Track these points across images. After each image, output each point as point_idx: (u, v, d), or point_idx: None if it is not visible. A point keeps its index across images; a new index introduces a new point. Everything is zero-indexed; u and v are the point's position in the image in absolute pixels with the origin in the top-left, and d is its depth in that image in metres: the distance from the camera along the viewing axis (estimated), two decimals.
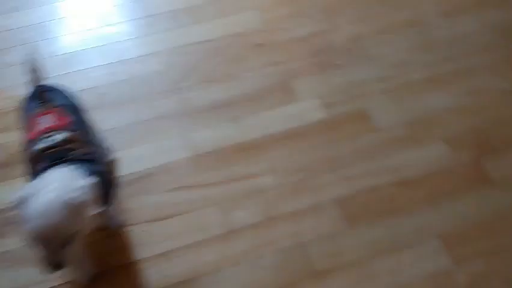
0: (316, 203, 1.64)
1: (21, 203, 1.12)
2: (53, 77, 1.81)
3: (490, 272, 1.50)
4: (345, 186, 1.67)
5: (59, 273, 1.22)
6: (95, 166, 1.29)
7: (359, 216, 1.61)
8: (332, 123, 1.82)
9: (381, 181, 1.68)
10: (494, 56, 2.01)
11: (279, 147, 1.77)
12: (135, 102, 1.90)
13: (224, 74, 1.98)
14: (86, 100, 1.55)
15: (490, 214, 1.61)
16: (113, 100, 1.91)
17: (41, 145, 1.26)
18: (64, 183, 1.15)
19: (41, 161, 1.24)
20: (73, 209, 1.12)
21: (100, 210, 1.26)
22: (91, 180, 1.20)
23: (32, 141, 1.29)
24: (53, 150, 1.25)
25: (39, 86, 1.42)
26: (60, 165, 1.22)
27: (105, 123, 1.76)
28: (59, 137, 1.28)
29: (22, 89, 1.48)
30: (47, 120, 1.31)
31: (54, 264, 1.13)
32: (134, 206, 1.64)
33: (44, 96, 1.38)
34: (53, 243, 1.11)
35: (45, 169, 1.21)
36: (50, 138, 1.27)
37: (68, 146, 1.27)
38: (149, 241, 1.57)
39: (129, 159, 1.73)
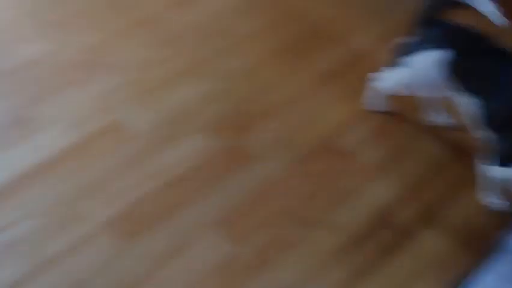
0: (87, 233, 1.53)
1: None
2: None
3: (271, 240, 1.57)
4: (113, 206, 1.59)
5: None
6: None
7: (136, 231, 1.55)
8: (84, 144, 1.72)
9: (148, 188, 1.64)
10: (232, 40, 2.11)
11: (32, 187, 1.60)
12: None
13: None
14: None
15: (258, 186, 1.69)
16: None
17: None
18: None
19: None
20: None
21: None
22: None
23: None
24: None
25: None
26: None
27: None
28: None
29: None
30: None
31: None
32: None
33: None
34: None
35: None
36: None
37: None
38: None
39: None
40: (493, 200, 1.59)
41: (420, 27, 1.56)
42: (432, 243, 1.56)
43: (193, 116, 1.84)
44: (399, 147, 1.78)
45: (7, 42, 2.00)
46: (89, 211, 1.57)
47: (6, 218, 1.53)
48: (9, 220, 1.53)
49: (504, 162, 1.41)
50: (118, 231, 1.54)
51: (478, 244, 1.56)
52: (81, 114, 1.79)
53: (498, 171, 1.44)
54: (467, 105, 1.48)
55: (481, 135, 1.49)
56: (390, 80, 1.69)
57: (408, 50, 1.57)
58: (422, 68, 1.53)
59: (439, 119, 1.81)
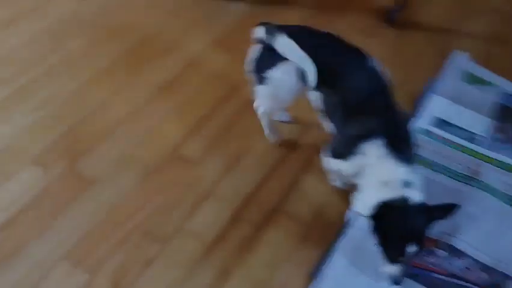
0: None
1: None
2: None
3: (128, 261, 1.50)
4: None
5: None
6: None
7: None
8: None
9: None
10: (57, 64, 2.00)
11: None
12: None
13: None
14: None
15: (106, 209, 1.60)
16: None
17: None
18: None
19: None
20: None
21: None
22: None
23: None
24: None
25: None
26: None
27: None
28: None
29: None
30: None
31: None
32: None
33: None
34: None
35: None
36: None
37: None
38: None
39: None
40: (337, 184, 1.69)
41: (267, 36, 1.53)
42: (285, 230, 1.61)
43: (23, 147, 1.71)
44: (240, 149, 1.82)
45: None
46: None
47: None
48: None
49: (336, 156, 1.50)
50: None
51: (328, 225, 1.63)
52: None
53: (332, 163, 1.52)
54: (315, 99, 1.54)
55: (328, 127, 1.57)
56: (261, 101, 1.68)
57: (262, 65, 1.56)
58: (282, 80, 1.54)
59: (283, 117, 1.88)
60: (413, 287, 1.34)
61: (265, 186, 1.72)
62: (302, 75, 1.50)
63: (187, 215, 1.62)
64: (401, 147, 1.39)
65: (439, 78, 2.10)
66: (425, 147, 1.80)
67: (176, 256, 1.52)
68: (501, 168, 1.80)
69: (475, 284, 1.51)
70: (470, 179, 1.75)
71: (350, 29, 2.26)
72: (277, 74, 1.54)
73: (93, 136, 1.78)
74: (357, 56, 1.50)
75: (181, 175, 1.72)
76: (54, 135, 1.76)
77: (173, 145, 1.79)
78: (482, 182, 1.74)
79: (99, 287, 1.44)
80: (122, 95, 1.93)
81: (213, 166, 1.75)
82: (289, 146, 1.83)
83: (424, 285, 1.48)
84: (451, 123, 1.93)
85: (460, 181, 1.74)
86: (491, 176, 1.77)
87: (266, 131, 1.81)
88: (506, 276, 1.54)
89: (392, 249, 1.33)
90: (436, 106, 1.97)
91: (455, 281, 1.51)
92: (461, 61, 2.18)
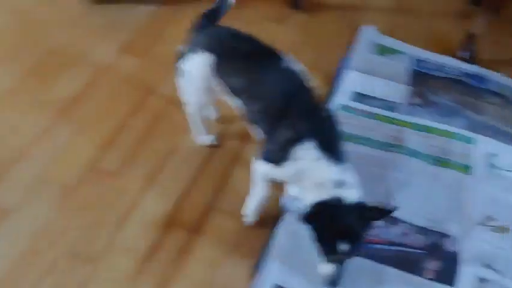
0: None
1: None
2: None
3: None
4: None
5: None
6: None
7: None
8: None
9: None
10: None
11: None
12: None
13: None
14: None
15: (27, 238, 1.49)
16: None
17: None
18: None
19: None
20: None
21: None
22: None
23: None
24: None
25: None
26: None
27: None
28: None
29: None
30: None
31: None
32: None
33: None
34: None
35: None
36: None
37: None
38: None
39: None
40: (248, 219, 1.61)
41: (193, 33, 1.53)
42: (222, 227, 1.57)
43: None
44: (163, 152, 1.75)
45: None
46: None
47: None
48: None
49: (269, 162, 1.43)
50: None
51: (265, 216, 1.59)
52: None
53: (266, 170, 1.47)
54: (236, 105, 1.50)
55: (256, 134, 1.52)
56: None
57: (181, 56, 1.53)
58: (191, 73, 1.51)
59: (211, 114, 1.82)
60: (354, 260, 1.34)
61: (195, 187, 1.67)
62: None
63: (115, 229, 1.53)
64: (332, 146, 1.37)
65: (352, 53, 2.13)
66: (347, 122, 1.80)
67: (108, 276, 1.44)
68: (422, 131, 1.84)
69: (413, 248, 1.53)
70: (394, 146, 1.77)
71: (259, 17, 2.25)
72: (188, 66, 1.51)
73: (1, 163, 1.66)
74: (271, 58, 1.46)
75: (102, 189, 1.63)
76: None
77: (89, 159, 1.69)
78: (406, 147, 1.78)
79: None
80: (30, 115, 1.81)
81: (135, 175, 1.67)
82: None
83: (365, 257, 1.48)
84: (369, 96, 1.95)
85: (384, 150, 1.77)
86: (414, 140, 1.80)
87: (194, 131, 1.75)
88: (442, 235, 1.57)
89: (323, 247, 1.32)
90: (352, 81, 1.99)
91: (393, 247, 1.52)
92: (370, 34, 2.22)
